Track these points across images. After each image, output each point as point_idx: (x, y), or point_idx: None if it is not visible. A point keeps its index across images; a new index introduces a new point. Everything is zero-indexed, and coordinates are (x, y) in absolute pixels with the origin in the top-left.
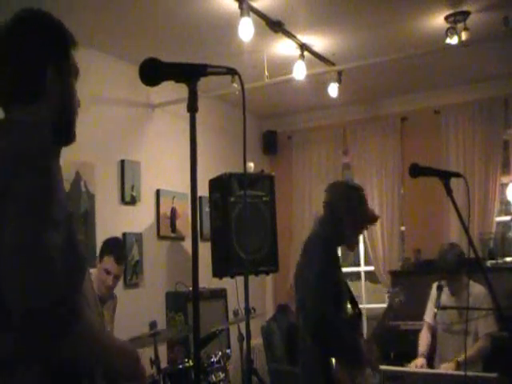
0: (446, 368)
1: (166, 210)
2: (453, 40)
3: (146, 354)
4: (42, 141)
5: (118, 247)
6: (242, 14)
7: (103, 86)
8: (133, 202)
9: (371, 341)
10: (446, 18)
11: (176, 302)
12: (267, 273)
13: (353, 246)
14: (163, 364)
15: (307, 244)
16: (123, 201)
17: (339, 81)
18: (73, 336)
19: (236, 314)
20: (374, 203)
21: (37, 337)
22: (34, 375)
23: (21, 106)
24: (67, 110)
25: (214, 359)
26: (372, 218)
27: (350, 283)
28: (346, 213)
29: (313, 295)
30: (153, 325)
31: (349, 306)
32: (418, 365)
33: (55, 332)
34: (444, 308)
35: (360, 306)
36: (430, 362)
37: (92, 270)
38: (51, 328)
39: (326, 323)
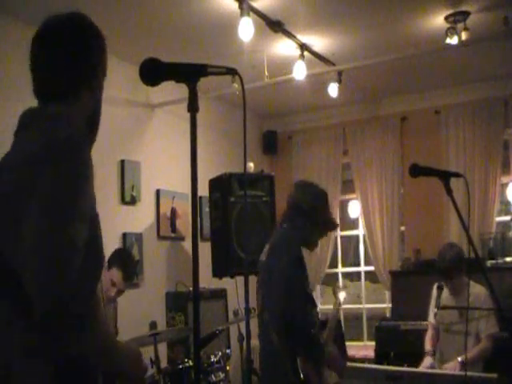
0: (449, 367)
1: (165, 210)
2: (453, 40)
3: (145, 354)
4: (79, 129)
5: (130, 265)
6: (241, 14)
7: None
8: (133, 202)
9: (330, 339)
10: (446, 18)
11: (176, 302)
12: None
13: (313, 246)
14: (163, 364)
15: (275, 244)
16: (123, 201)
17: (339, 81)
18: (88, 332)
19: (236, 314)
20: (374, 203)
21: (53, 328)
22: (45, 371)
23: (57, 102)
24: (97, 110)
25: (213, 359)
26: (334, 225)
27: (350, 283)
28: (312, 212)
29: (283, 295)
30: (153, 325)
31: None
32: (427, 364)
33: (71, 325)
34: (444, 308)
35: (360, 305)
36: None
37: None
38: (67, 320)
39: (296, 321)
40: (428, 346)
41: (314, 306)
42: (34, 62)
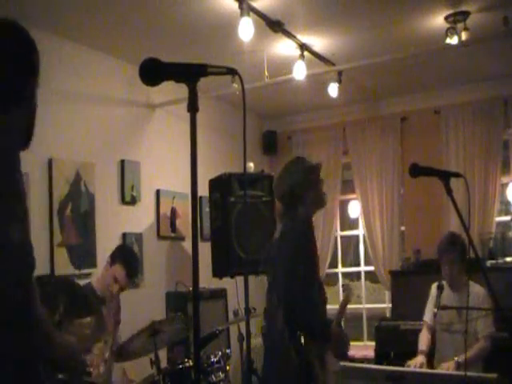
0: (446, 367)
1: (166, 210)
2: (453, 40)
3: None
4: (10, 142)
5: (134, 264)
6: (241, 14)
7: (103, 85)
8: (133, 202)
9: (339, 319)
10: (446, 18)
11: (176, 302)
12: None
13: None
14: (163, 364)
15: (281, 235)
16: (123, 201)
17: (339, 81)
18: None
19: (236, 313)
20: (374, 203)
21: None
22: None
23: None
24: (34, 120)
25: (213, 359)
26: (323, 202)
27: (350, 283)
28: (300, 195)
29: (289, 275)
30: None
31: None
32: (417, 362)
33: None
34: (444, 308)
35: (360, 306)
36: (430, 362)
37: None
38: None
39: (300, 300)
40: (422, 345)
41: (321, 289)
42: None
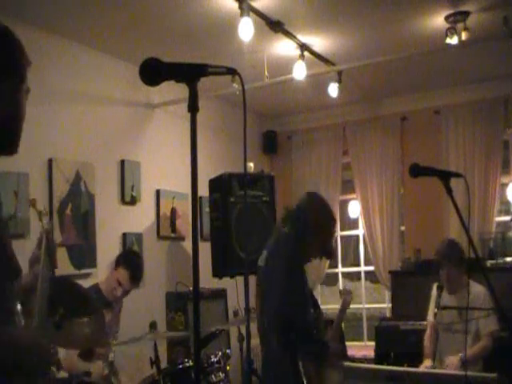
0: (450, 361)
1: (166, 210)
2: (453, 40)
3: (146, 354)
4: None
5: (138, 268)
6: (241, 14)
7: (103, 85)
8: (133, 202)
9: (335, 339)
10: (446, 18)
11: (176, 301)
12: None
13: (305, 261)
14: (163, 364)
15: (273, 249)
16: (123, 201)
17: (339, 81)
18: None
19: (236, 314)
20: (374, 203)
21: None
22: None
23: None
24: (13, 123)
25: (214, 359)
26: (330, 253)
27: (350, 283)
28: (316, 229)
29: (281, 299)
30: (153, 325)
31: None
32: (426, 367)
33: None
34: (444, 308)
35: (360, 306)
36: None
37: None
38: None
39: (296, 323)
40: (427, 348)
41: (316, 306)
42: None
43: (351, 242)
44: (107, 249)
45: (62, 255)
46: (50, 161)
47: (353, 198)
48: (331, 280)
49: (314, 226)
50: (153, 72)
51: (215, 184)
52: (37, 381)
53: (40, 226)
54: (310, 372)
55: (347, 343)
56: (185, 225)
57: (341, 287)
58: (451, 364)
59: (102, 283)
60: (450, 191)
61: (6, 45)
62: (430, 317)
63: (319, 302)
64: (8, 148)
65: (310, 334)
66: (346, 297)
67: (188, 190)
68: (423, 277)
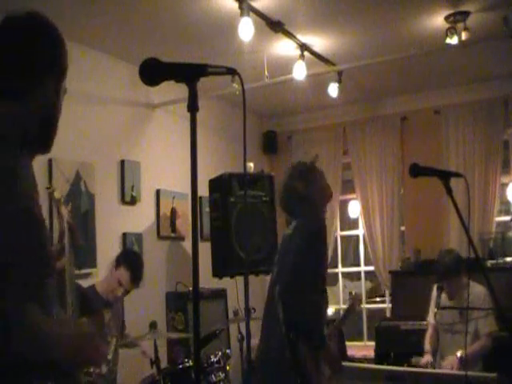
0: (448, 362)
1: (166, 210)
2: (453, 40)
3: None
4: (12, 135)
5: (138, 268)
6: (241, 14)
7: (103, 85)
8: (133, 202)
9: (330, 338)
10: (446, 18)
11: (176, 302)
12: (267, 273)
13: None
14: (163, 364)
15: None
16: (123, 201)
17: (339, 81)
18: (12, 331)
19: (236, 314)
20: (374, 203)
21: None
22: None
23: (9, 102)
24: (52, 122)
25: (214, 359)
26: (329, 195)
27: (350, 283)
28: (309, 196)
29: (294, 275)
30: (153, 325)
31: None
32: (426, 361)
33: None
34: (444, 308)
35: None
36: (433, 361)
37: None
38: None
39: (301, 305)
40: (427, 345)
41: (324, 290)
42: None
43: (351, 242)
44: (107, 249)
45: None
46: (50, 161)
47: (353, 198)
48: (331, 280)
49: (304, 191)
50: (153, 72)
51: (215, 184)
52: (76, 381)
53: (56, 218)
54: (306, 354)
55: (347, 343)
56: (185, 225)
57: (352, 291)
58: (449, 365)
59: (99, 284)
60: (449, 191)
61: (54, 41)
62: (431, 318)
63: None
64: (44, 147)
65: (315, 312)
66: (355, 302)
67: (188, 190)
68: (423, 277)
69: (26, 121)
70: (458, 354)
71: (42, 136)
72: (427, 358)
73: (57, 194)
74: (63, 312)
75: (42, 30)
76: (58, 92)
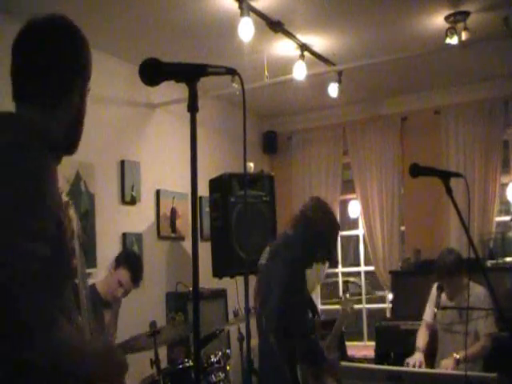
0: (445, 364)
1: (166, 210)
2: (453, 40)
3: (146, 354)
4: (32, 132)
5: (139, 268)
6: (241, 14)
7: (103, 85)
8: (133, 202)
9: (330, 348)
10: (446, 18)
11: (176, 302)
12: None
13: (308, 265)
14: (163, 364)
15: (275, 248)
16: (123, 201)
17: (339, 81)
18: (39, 339)
19: (236, 314)
20: (374, 203)
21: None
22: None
23: (30, 106)
24: (79, 124)
25: (214, 359)
26: (334, 261)
27: (347, 296)
28: (321, 236)
29: (280, 300)
30: (153, 325)
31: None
32: (416, 360)
33: (19, 332)
34: (444, 308)
35: (360, 306)
36: (431, 362)
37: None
38: (15, 328)
39: (294, 327)
40: (419, 342)
41: (315, 312)
42: (14, 66)
43: (351, 242)
44: (107, 249)
45: None
46: None
47: (353, 198)
48: (331, 280)
49: (319, 235)
50: (153, 72)
51: (215, 184)
52: None
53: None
54: (307, 376)
55: (347, 343)
56: (185, 225)
57: (341, 294)
58: (445, 368)
59: (98, 284)
60: (449, 191)
61: (80, 43)
62: (427, 317)
63: (319, 301)
64: (71, 148)
65: (306, 335)
66: (347, 307)
67: (188, 190)
68: (423, 277)
69: (55, 124)
70: (457, 356)
71: (69, 138)
72: (417, 356)
73: (64, 197)
74: (78, 314)
75: (72, 33)
76: (85, 94)
